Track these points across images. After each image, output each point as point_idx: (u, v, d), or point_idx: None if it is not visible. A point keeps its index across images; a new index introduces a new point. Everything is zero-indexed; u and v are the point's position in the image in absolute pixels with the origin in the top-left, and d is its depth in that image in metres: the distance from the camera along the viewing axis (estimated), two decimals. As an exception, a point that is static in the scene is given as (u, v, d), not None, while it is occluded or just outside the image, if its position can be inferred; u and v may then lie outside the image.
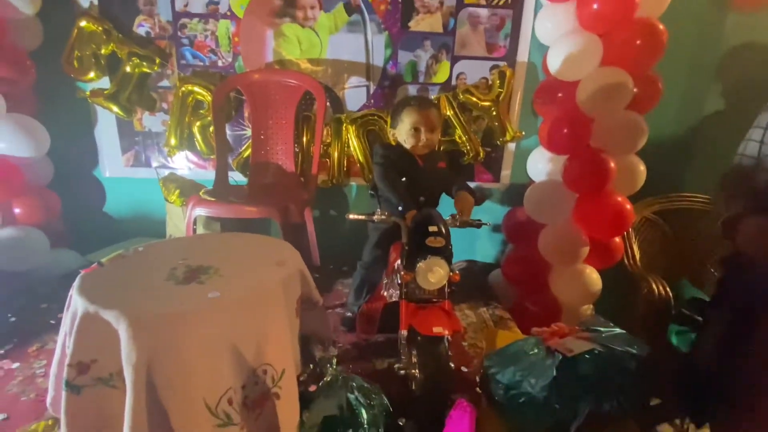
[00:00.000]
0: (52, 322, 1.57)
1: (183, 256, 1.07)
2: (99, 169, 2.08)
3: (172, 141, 1.96)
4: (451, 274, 1.14)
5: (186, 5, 1.87)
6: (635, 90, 1.63)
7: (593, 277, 1.81)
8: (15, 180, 1.76)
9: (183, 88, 1.91)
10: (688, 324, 1.56)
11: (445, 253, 1.13)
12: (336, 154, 2.00)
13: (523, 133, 2.04)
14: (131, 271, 1.01)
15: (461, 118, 1.98)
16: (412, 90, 2.01)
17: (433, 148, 1.44)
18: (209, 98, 1.89)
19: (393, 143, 1.47)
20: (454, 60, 1.98)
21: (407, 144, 1.40)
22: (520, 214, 1.97)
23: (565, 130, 1.72)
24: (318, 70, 1.97)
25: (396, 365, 1.15)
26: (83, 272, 0.98)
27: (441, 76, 2.00)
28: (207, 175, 2.00)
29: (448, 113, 1.97)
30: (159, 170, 1.96)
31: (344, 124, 1.98)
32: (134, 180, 2.08)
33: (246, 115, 2.01)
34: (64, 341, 0.92)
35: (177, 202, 1.77)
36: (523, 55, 1.97)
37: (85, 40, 1.83)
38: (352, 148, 1.99)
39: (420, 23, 1.93)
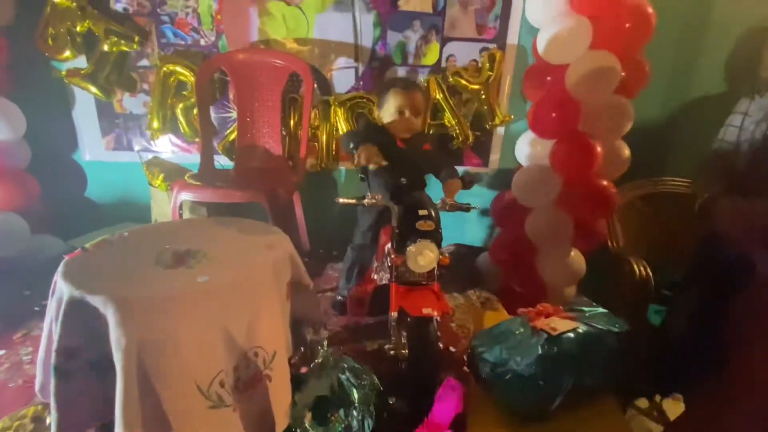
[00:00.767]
0: (37, 308, 1.55)
1: (170, 241, 1.05)
2: (79, 153, 2.02)
3: (155, 124, 1.91)
4: (440, 257, 1.15)
5: (166, -20, 1.80)
6: (623, 74, 1.64)
7: (578, 260, 1.86)
8: (-9, 164, 1.70)
9: (164, 68, 1.85)
10: (667, 304, 1.62)
11: (435, 236, 1.14)
12: (324, 138, 1.97)
13: (513, 117, 2.04)
14: (117, 256, 0.99)
15: (450, 102, 1.96)
16: (402, 72, 1.98)
17: (414, 132, 1.43)
18: (192, 79, 1.83)
19: (379, 124, 1.46)
20: (444, 41, 1.96)
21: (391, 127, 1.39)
22: (508, 197, 1.98)
23: (554, 114, 1.73)
24: (304, 51, 1.92)
25: (386, 346, 1.17)
26: (67, 257, 0.96)
27: (430, 58, 1.97)
28: (192, 158, 1.96)
29: (437, 96, 1.95)
30: (142, 154, 1.91)
31: (332, 107, 1.95)
32: (116, 164, 2.02)
33: (231, 96, 1.96)
34: (50, 327, 0.90)
35: (162, 187, 1.74)
36: (513, 37, 1.96)
37: (60, 17, 1.74)
38: (340, 132, 1.97)
39: (409, 2, 1.89)
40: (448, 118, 1.98)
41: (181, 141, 2.01)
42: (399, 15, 1.90)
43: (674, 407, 1.24)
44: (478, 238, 2.26)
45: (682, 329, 1.25)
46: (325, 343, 1.09)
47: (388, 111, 1.39)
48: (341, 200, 1.25)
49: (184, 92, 1.91)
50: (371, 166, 1.26)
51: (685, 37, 1.95)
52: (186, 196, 1.56)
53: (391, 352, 1.17)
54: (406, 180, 1.36)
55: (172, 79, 1.88)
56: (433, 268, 1.18)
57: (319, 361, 1.05)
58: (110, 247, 1.04)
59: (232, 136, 1.97)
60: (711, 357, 1.15)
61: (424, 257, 1.12)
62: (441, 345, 1.17)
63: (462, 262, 2.10)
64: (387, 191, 1.27)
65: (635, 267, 1.71)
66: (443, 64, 1.98)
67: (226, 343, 0.89)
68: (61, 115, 1.93)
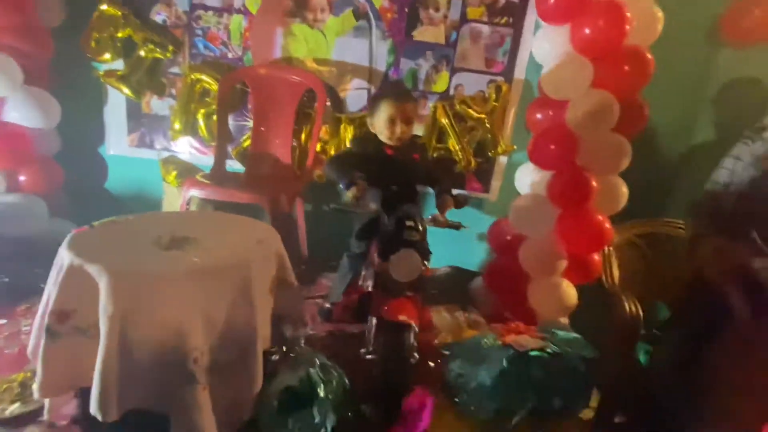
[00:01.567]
0: (42, 285, 1.62)
1: (171, 227, 1.13)
2: (104, 147, 2.16)
3: (177, 126, 2.04)
4: (423, 268, 1.19)
5: (203, -3, 1.98)
6: (620, 113, 1.70)
7: (570, 292, 1.86)
8: (24, 149, 1.85)
9: (192, 76, 2.00)
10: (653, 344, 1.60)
11: (419, 247, 1.19)
12: (333, 152, 2.06)
13: (515, 147, 2.10)
14: (119, 235, 1.08)
15: (456, 128, 2.05)
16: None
17: (405, 140, 1.43)
18: (215, 87, 1.97)
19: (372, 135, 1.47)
20: (454, 71, 2.06)
21: (382, 136, 1.40)
22: (504, 224, 2.02)
23: (552, 147, 1.79)
24: (323, 70, 2.05)
25: (362, 350, 1.20)
26: (75, 231, 1.04)
27: (440, 86, 2.08)
28: (207, 160, 2.08)
29: (443, 121, 2.04)
30: (160, 152, 2.03)
31: (343, 124, 2.05)
32: (136, 160, 2.15)
33: (249, 107, 2.09)
34: (49, 293, 0.98)
35: (174, 183, 1.84)
36: (520, 72, 2.05)
37: (105, 23, 1.92)
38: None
39: (423, 34, 2.02)
40: (452, 143, 2.06)
41: (198, 143, 2.13)
42: (413, 44, 2.02)
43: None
44: (474, 262, 2.28)
45: (662, 370, 1.24)
46: (302, 340, 1.13)
47: (379, 120, 1.40)
48: (333, 206, 1.31)
49: (207, 99, 2.05)
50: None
51: (690, 81, 2.01)
52: (194, 193, 1.66)
53: (368, 356, 1.20)
54: (396, 187, 1.38)
55: (198, 86, 2.03)
56: (417, 279, 1.21)
57: (293, 355, 1.08)
58: (115, 227, 1.12)
59: (247, 143, 2.08)
60: (690, 400, 1.13)
61: (406, 266, 1.16)
62: (417, 356, 1.19)
63: (456, 284, 2.12)
64: (378, 199, 1.32)
65: (625, 304, 1.70)
66: (451, 92, 2.08)
67: (204, 325, 0.94)
68: (93, 111, 2.09)
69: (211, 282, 0.94)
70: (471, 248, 2.28)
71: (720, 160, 1.42)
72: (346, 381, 1.07)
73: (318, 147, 2.06)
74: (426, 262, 1.22)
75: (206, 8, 1.99)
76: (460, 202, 1.39)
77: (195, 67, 2.01)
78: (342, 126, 2.05)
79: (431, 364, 1.40)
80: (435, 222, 1.29)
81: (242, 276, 0.98)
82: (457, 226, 1.32)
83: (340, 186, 1.28)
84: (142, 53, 1.97)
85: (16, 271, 1.72)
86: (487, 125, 2.05)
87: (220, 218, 1.28)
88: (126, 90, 2.01)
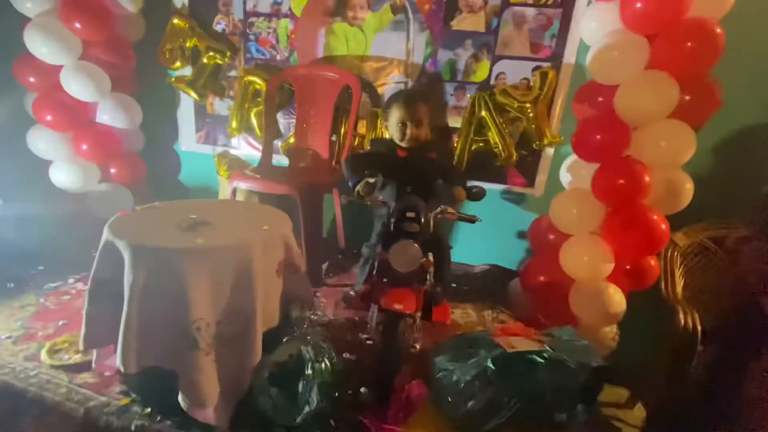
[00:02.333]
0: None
1: (196, 213, 1.27)
2: (178, 144, 2.48)
3: (234, 124, 2.26)
4: (423, 260, 1.18)
5: (255, 5, 2.15)
6: (687, 98, 1.47)
7: (616, 298, 1.66)
8: (114, 146, 2.20)
9: (246, 78, 2.19)
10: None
11: (419, 238, 1.18)
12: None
13: (563, 138, 1.94)
14: (151, 218, 1.24)
15: (496, 119, 1.95)
16: (449, 88, 2.04)
17: (419, 142, 1.47)
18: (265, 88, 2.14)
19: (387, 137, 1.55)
20: (495, 59, 1.96)
21: (395, 138, 1.47)
22: (546, 222, 1.88)
23: (599, 137, 1.61)
24: (362, 66, 2.10)
25: (362, 335, 1.23)
26: (120, 213, 1.23)
27: (480, 75, 2.00)
28: (259, 156, 2.26)
29: (482, 113, 1.96)
30: (215, 147, 2.27)
31: (379, 118, 2.08)
32: (203, 155, 2.43)
33: (295, 105, 2.22)
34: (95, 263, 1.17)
35: (224, 175, 2.05)
36: (570, 56, 1.88)
37: (176, 35, 2.20)
38: (385, 141, 2.09)
39: (462, 22, 1.95)
40: (492, 135, 1.97)
41: (253, 140, 2.33)
42: (451, 34, 1.97)
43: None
44: (514, 261, 2.16)
45: (700, 383, 1.07)
46: (307, 321, 1.19)
47: (390, 123, 1.48)
48: (348, 199, 1.36)
49: (259, 99, 2.23)
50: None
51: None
52: (238, 184, 1.83)
53: (368, 341, 1.23)
54: (411, 188, 1.41)
55: (251, 87, 2.22)
56: (421, 270, 1.21)
57: (296, 334, 1.15)
58: (152, 211, 1.29)
59: (292, 139, 2.23)
60: (724, 415, 0.97)
61: (405, 256, 1.16)
62: (417, 347, 1.19)
63: (492, 283, 2.03)
64: (392, 196, 1.34)
65: (681, 317, 1.48)
66: (492, 82, 1.98)
67: (209, 299, 1.05)
68: (168, 112, 2.41)
69: (214, 260, 1.05)
70: (513, 246, 2.16)
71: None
72: (336, 362, 1.10)
73: (356, 141, 2.12)
74: (431, 255, 1.21)
75: (258, 15, 2.16)
76: (475, 195, 1.35)
77: (248, 70, 2.20)
78: (379, 120, 2.08)
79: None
80: (442, 214, 1.27)
81: (242, 257, 1.07)
82: (471, 220, 1.29)
83: (349, 182, 1.36)
84: (204, 60, 2.22)
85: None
86: (531, 114, 1.92)
87: (238, 206, 1.41)
88: (192, 93, 2.27)
